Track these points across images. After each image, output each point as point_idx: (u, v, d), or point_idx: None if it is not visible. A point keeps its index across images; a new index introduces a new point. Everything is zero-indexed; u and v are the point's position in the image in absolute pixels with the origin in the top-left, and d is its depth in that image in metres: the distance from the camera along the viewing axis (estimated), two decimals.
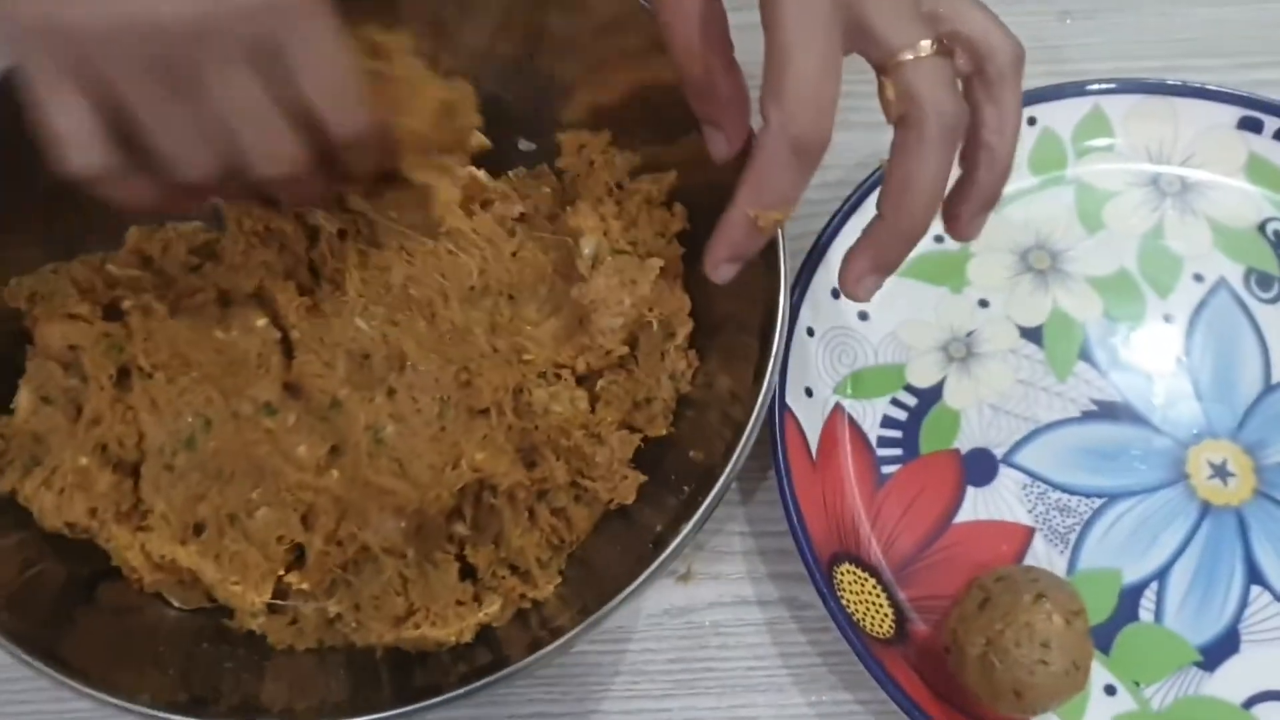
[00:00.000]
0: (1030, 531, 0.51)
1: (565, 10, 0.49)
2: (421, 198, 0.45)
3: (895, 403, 0.54)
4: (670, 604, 0.51)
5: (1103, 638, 0.49)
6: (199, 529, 0.45)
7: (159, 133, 0.35)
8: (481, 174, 0.49)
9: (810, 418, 0.52)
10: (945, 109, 0.38)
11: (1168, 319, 0.55)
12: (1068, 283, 0.56)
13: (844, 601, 0.48)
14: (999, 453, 0.53)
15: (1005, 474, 0.53)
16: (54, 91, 0.34)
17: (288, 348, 0.47)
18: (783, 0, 0.36)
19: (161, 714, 0.39)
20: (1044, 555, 0.51)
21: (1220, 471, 0.52)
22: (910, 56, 0.37)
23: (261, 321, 0.47)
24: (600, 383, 0.47)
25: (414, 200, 0.45)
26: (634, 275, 0.46)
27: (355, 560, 0.45)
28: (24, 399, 0.46)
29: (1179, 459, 0.53)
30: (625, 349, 0.47)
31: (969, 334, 0.55)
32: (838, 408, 0.54)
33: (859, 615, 0.48)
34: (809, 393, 0.53)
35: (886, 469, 0.53)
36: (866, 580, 0.50)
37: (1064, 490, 0.52)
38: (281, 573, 0.45)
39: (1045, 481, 0.52)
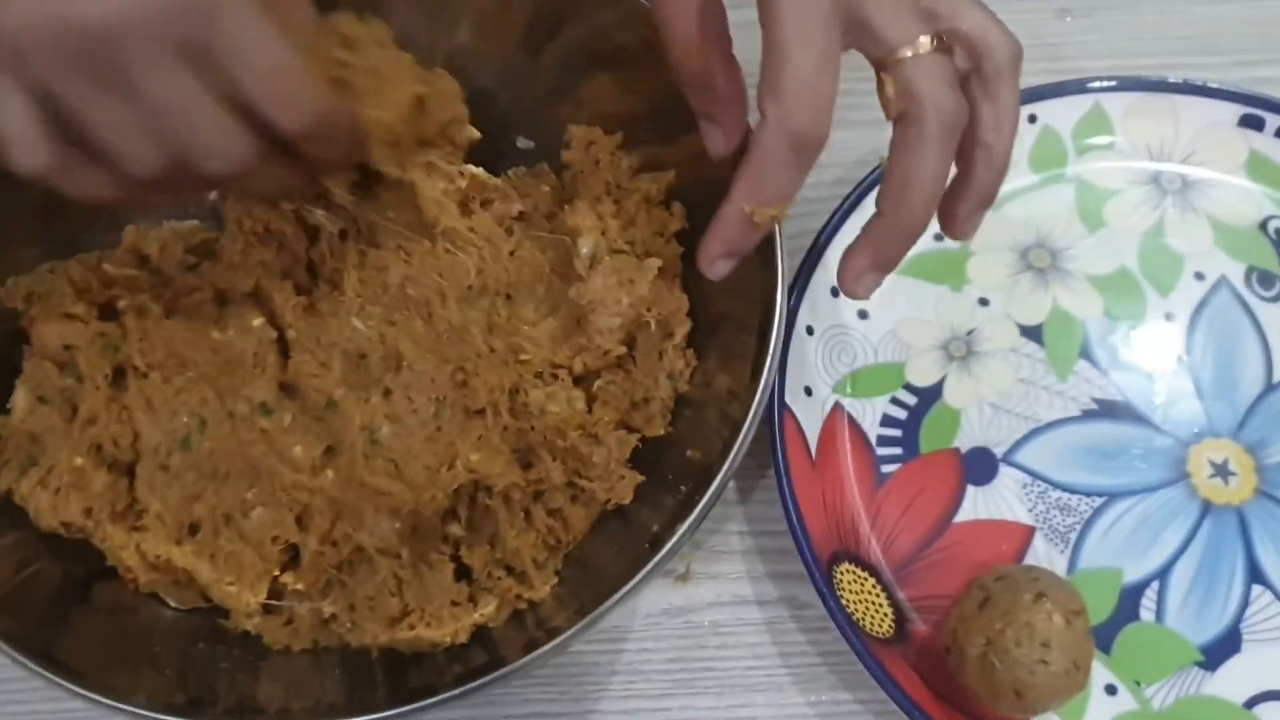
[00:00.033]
0: (1030, 531, 0.51)
1: (565, 8, 0.49)
2: (414, 197, 0.44)
3: (895, 401, 0.54)
4: (669, 604, 0.51)
5: (1103, 637, 0.49)
6: (194, 529, 0.44)
7: (100, 129, 0.35)
8: (481, 172, 0.49)
9: (809, 417, 0.52)
10: (945, 106, 0.38)
11: (1169, 317, 0.55)
12: (1068, 281, 0.56)
13: (843, 601, 0.47)
14: (999, 452, 0.53)
15: (1005, 473, 0.52)
16: None
17: (284, 347, 0.46)
18: None
19: (157, 715, 0.39)
20: (1044, 554, 0.51)
21: (1221, 470, 0.52)
22: (910, 53, 0.37)
23: (258, 321, 0.46)
24: (598, 383, 0.47)
25: (410, 200, 0.45)
26: (632, 275, 0.46)
27: (350, 561, 0.45)
28: (20, 399, 0.46)
29: (1180, 458, 0.52)
30: (623, 349, 0.46)
31: (969, 333, 0.55)
32: (837, 407, 0.54)
33: (858, 615, 0.48)
34: (808, 392, 0.53)
35: (886, 468, 0.53)
36: (866, 580, 0.50)
37: (1064, 489, 0.52)
38: (277, 573, 0.45)
39: (1045, 480, 0.52)
